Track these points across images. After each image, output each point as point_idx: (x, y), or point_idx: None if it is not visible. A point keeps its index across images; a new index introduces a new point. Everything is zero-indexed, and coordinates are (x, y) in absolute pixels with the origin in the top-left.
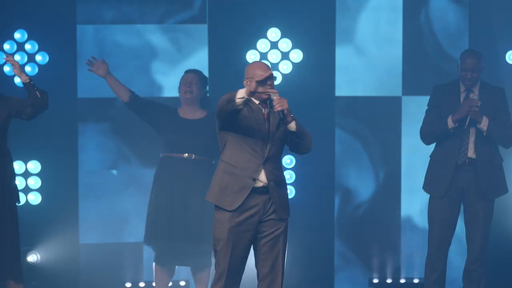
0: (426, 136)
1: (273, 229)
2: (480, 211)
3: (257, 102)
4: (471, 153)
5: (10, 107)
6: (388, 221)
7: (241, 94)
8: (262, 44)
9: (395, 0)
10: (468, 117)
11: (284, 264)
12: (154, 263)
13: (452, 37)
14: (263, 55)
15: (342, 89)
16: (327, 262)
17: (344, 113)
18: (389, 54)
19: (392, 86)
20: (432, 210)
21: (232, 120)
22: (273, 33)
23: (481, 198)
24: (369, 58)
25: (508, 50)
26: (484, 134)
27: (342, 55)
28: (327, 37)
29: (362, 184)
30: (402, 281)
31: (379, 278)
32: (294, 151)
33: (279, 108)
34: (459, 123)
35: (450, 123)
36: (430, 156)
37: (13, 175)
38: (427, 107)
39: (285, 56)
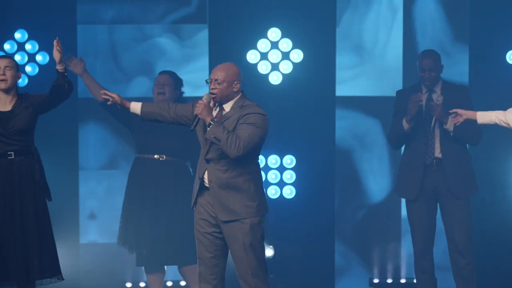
0: (390, 140)
1: (234, 234)
2: (456, 210)
3: (211, 104)
4: (437, 153)
5: (34, 105)
6: (388, 221)
7: None
8: (263, 44)
9: (395, 0)
10: (434, 118)
11: (257, 265)
12: (143, 268)
13: (453, 36)
14: (264, 55)
15: (342, 89)
16: (327, 262)
17: (344, 113)
18: (389, 54)
19: (392, 86)
20: (410, 213)
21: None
22: (274, 33)
23: (453, 198)
24: (369, 58)
25: (508, 50)
26: (451, 134)
27: (342, 55)
28: (327, 37)
29: (362, 184)
30: (403, 281)
31: (379, 278)
32: None
33: (194, 112)
34: (423, 124)
35: (405, 124)
36: (401, 161)
37: (42, 172)
38: (393, 113)
39: (285, 56)
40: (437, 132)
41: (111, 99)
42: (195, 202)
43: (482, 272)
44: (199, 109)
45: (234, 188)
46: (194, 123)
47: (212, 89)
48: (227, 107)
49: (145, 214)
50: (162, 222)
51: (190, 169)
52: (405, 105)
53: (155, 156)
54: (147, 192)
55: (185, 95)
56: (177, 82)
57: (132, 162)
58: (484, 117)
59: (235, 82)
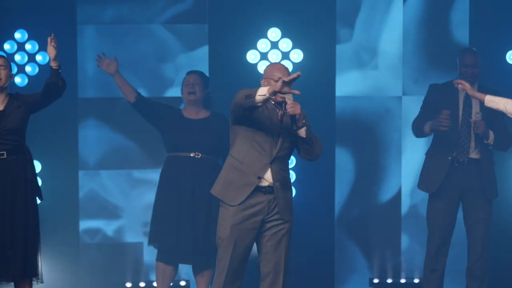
0: (415, 131)
1: (277, 230)
2: (481, 210)
3: (272, 102)
4: (473, 153)
5: (25, 105)
6: (388, 221)
7: (262, 91)
8: (262, 44)
9: (395, 0)
10: (473, 135)
11: (287, 265)
12: (156, 262)
13: (453, 37)
14: (264, 55)
15: (342, 89)
16: (327, 262)
17: (344, 113)
18: (390, 54)
19: (392, 86)
20: (432, 211)
21: (246, 116)
22: (274, 33)
23: (482, 198)
24: (369, 58)
25: (508, 50)
26: (490, 148)
27: (342, 55)
28: (327, 37)
29: (362, 184)
30: (403, 281)
31: (379, 278)
32: (302, 156)
33: (291, 113)
34: (457, 122)
35: (427, 129)
36: (426, 154)
37: (34, 172)
38: (422, 104)
39: (285, 56)
40: (472, 133)
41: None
42: (242, 203)
43: (490, 272)
44: (298, 109)
45: (290, 189)
46: (295, 125)
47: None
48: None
49: (184, 213)
50: (200, 221)
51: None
52: (435, 99)
53: (191, 154)
54: (184, 191)
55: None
56: (206, 81)
57: (165, 162)
58: (491, 102)
59: None
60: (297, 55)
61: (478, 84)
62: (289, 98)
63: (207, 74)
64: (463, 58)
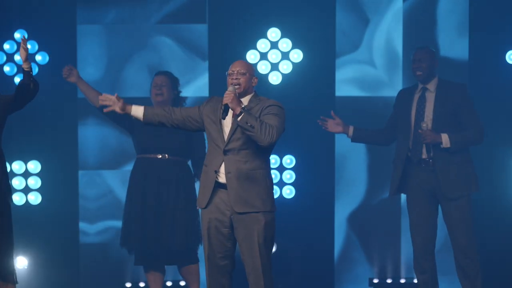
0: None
1: (247, 229)
2: (454, 210)
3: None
4: (424, 155)
5: (1, 106)
6: (388, 221)
7: None
8: (262, 44)
9: (395, 0)
10: (424, 145)
11: (265, 265)
12: (143, 268)
13: (453, 37)
14: (263, 55)
15: (342, 89)
16: (327, 262)
17: (344, 113)
18: (390, 54)
19: (392, 86)
20: (410, 212)
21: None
22: (273, 33)
23: (446, 198)
24: (369, 58)
25: (508, 50)
26: (450, 150)
27: (342, 54)
28: (327, 37)
29: (362, 184)
30: (402, 281)
31: (379, 278)
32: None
33: (223, 102)
34: (409, 123)
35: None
36: (392, 162)
37: (5, 173)
38: None
39: (285, 56)
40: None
41: (110, 105)
42: (209, 203)
43: (486, 270)
44: (228, 98)
45: (253, 181)
46: (224, 113)
47: (236, 79)
48: (245, 101)
49: (149, 214)
50: (165, 222)
51: (191, 168)
52: (399, 105)
53: (158, 156)
54: (150, 192)
55: (186, 96)
56: (174, 82)
57: (134, 163)
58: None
59: (254, 77)
60: (297, 55)
61: (438, 79)
62: (229, 89)
63: (207, 74)
64: (413, 55)
